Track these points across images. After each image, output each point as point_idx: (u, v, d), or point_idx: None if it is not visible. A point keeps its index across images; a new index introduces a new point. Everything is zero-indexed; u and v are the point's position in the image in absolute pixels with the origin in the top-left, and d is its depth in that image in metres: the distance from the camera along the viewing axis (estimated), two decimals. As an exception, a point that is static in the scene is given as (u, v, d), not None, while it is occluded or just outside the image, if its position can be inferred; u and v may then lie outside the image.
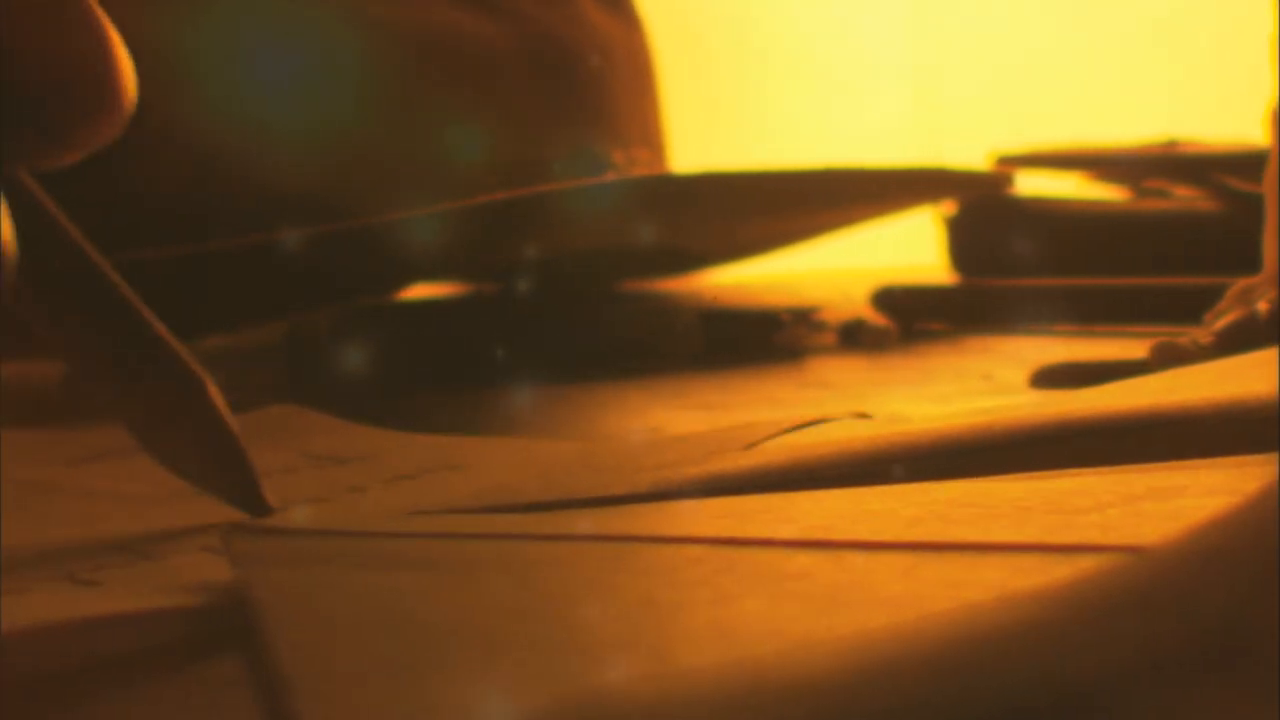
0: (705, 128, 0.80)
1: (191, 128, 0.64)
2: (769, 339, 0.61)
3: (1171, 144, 0.77)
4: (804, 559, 0.25)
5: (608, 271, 0.75)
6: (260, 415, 0.45)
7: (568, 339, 0.67)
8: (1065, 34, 1.10)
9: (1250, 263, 0.52)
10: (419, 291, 0.72)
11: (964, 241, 0.74)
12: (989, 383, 0.50)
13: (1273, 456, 0.30)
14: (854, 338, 0.62)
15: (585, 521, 0.28)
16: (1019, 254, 0.72)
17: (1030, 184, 0.77)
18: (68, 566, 0.30)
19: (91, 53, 0.27)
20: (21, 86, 0.27)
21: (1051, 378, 0.48)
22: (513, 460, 0.38)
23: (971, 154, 0.82)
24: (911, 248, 0.87)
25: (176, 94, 0.64)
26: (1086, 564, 0.24)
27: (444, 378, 0.59)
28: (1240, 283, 0.51)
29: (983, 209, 0.73)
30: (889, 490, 0.29)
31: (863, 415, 0.40)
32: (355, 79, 0.66)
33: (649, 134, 0.73)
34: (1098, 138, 0.81)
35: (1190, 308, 0.54)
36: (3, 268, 0.26)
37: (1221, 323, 0.49)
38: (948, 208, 0.75)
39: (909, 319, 0.63)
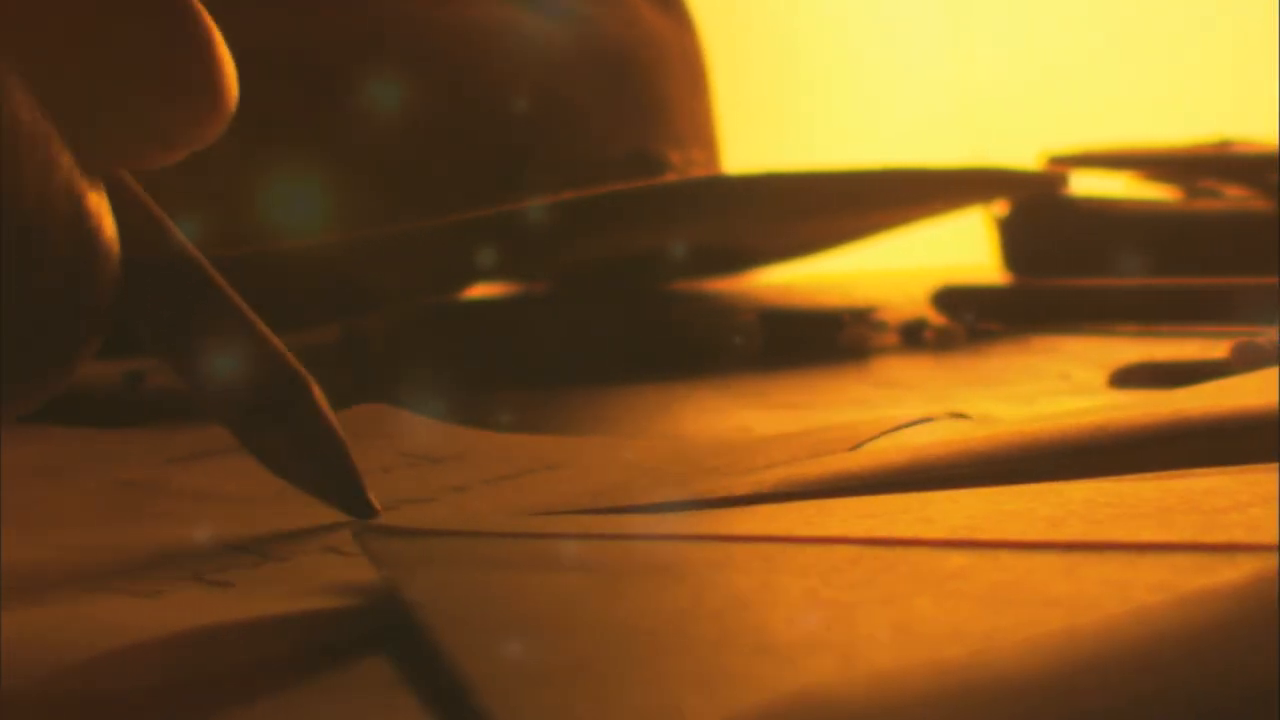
0: (746, 127, 0.80)
1: (246, 131, 0.64)
2: (832, 339, 0.61)
3: (1224, 144, 0.77)
4: (959, 559, 0.25)
5: (659, 271, 0.75)
6: (349, 414, 0.45)
7: (625, 338, 0.67)
8: (1110, 32, 1.10)
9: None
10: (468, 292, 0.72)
11: (1017, 241, 0.74)
12: (1067, 383, 0.49)
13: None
14: (916, 337, 0.62)
15: (723, 522, 0.28)
16: (1073, 254, 0.72)
17: (1080, 184, 0.77)
18: (193, 567, 0.30)
19: (195, 51, 0.27)
20: (124, 84, 0.27)
21: (1132, 378, 0.48)
22: (610, 460, 0.38)
23: (1013, 153, 0.82)
24: (951, 247, 0.87)
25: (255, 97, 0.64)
26: (1247, 563, 0.24)
27: (504, 377, 0.59)
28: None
29: (1036, 209, 0.73)
30: (1021, 490, 0.29)
31: (960, 415, 0.40)
32: (413, 80, 0.66)
33: (703, 134, 0.73)
34: (1146, 137, 0.81)
35: (1249, 307, 0.54)
36: (108, 267, 0.27)
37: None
38: (999, 208, 0.75)
39: (971, 319, 0.63)
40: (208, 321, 0.31)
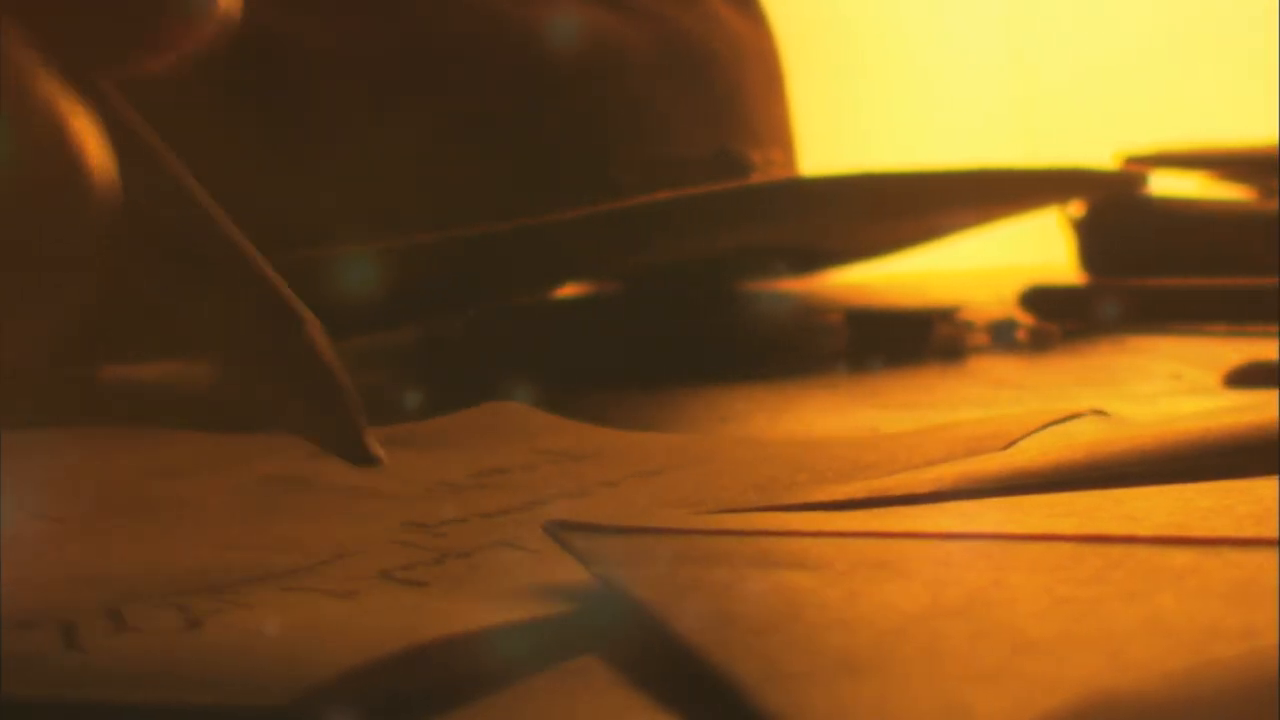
0: (807, 126, 0.79)
1: (335, 132, 0.64)
2: (922, 339, 0.61)
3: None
4: (1181, 556, 0.24)
5: (734, 271, 0.75)
6: (477, 412, 0.45)
7: (708, 338, 0.67)
8: (1167, 31, 1.10)
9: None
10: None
11: (1095, 241, 0.74)
12: (1181, 383, 0.49)
13: None
14: (1007, 337, 0.62)
15: (919, 519, 0.28)
16: (1151, 254, 0.72)
17: (1153, 183, 0.77)
18: (377, 564, 0.30)
19: None
20: None
21: (1248, 378, 0.48)
22: (756, 458, 0.38)
23: (1069, 153, 0.82)
24: (1015, 246, 0.87)
25: (323, 100, 0.64)
26: None
27: (588, 378, 0.59)
28: None
29: (1114, 209, 0.73)
30: (1208, 488, 0.29)
31: (1100, 413, 0.40)
32: (493, 80, 0.66)
33: (781, 134, 0.73)
34: (1208, 137, 0.81)
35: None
36: (97, 196, 0.24)
37: None
38: (1075, 208, 0.75)
39: (1061, 318, 0.63)
40: (204, 258, 0.28)
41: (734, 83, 0.71)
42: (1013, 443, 0.36)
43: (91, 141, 0.23)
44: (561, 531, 0.28)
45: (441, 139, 0.65)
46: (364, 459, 0.29)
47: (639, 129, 0.67)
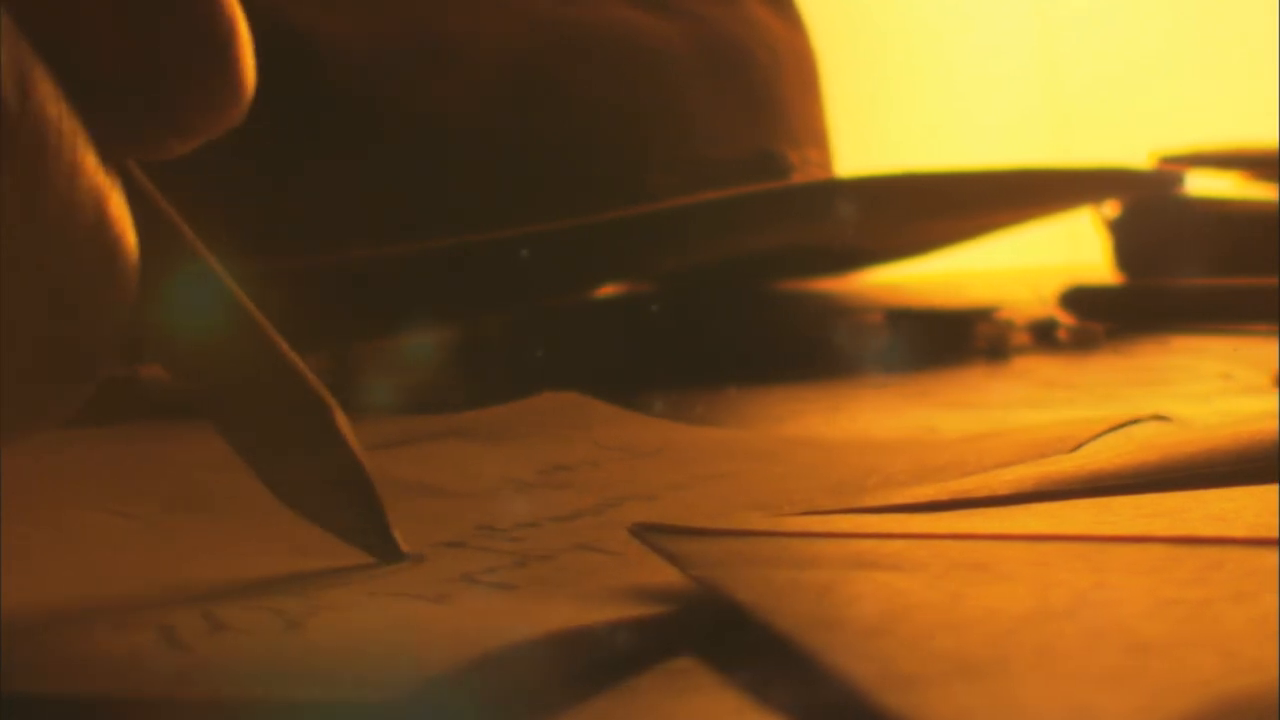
0: (838, 126, 0.79)
1: (378, 133, 0.64)
2: (964, 338, 0.61)
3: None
4: (1274, 557, 0.25)
5: (772, 271, 0.75)
6: (535, 402, 0.45)
7: (748, 337, 0.67)
8: (1202, 29, 1.10)
9: None
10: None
11: (1131, 241, 0.74)
12: (1232, 383, 0.49)
13: None
14: (1049, 337, 0.62)
15: (1006, 520, 0.28)
16: (1187, 254, 0.72)
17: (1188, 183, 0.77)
18: (458, 568, 0.30)
19: (221, 36, 0.25)
20: (147, 68, 0.25)
21: (1301, 378, 0.48)
22: (820, 459, 0.38)
23: (1098, 153, 0.82)
24: (1046, 246, 0.87)
25: (365, 101, 0.64)
26: None
27: (631, 378, 0.59)
28: None
29: (1150, 209, 0.73)
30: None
31: (1161, 418, 0.40)
32: (535, 81, 0.66)
33: (817, 135, 0.73)
34: (1248, 136, 0.81)
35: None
36: (129, 276, 0.24)
37: None
38: (1110, 208, 0.75)
39: (1102, 318, 0.63)
40: (221, 336, 0.28)
41: (772, 83, 0.71)
42: (1079, 446, 0.36)
43: (126, 222, 0.24)
44: (649, 534, 0.28)
45: (482, 140, 0.65)
46: (389, 554, 0.29)
47: (678, 130, 0.67)
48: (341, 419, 0.29)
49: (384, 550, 0.29)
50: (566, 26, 0.67)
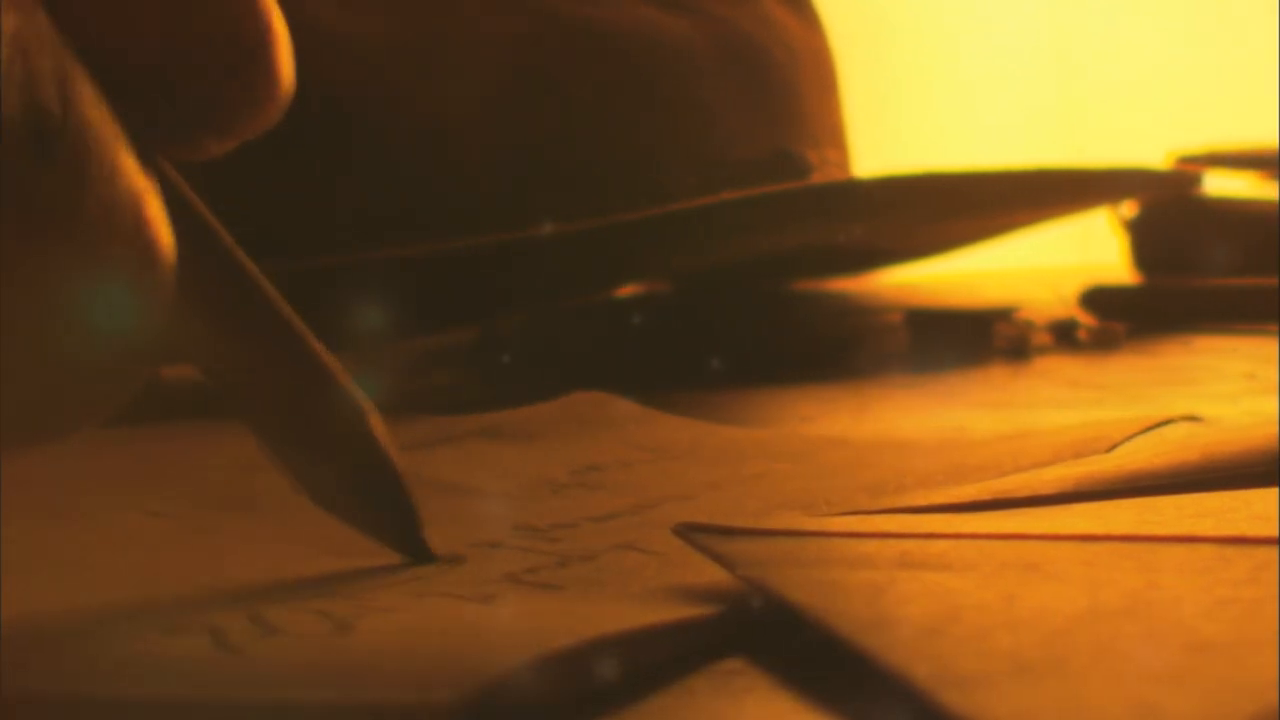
0: (854, 128, 0.79)
1: (398, 133, 0.64)
2: (984, 338, 0.61)
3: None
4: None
5: (791, 271, 0.75)
6: (565, 402, 0.45)
7: (768, 338, 0.67)
8: (1218, 29, 1.10)
9: None
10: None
11: (1149, 242, 0.74)
12: (1257, 382, 0.49)
13: None
14: (1070, 337, 0.62)
15: (1052, 520, 0.28)
16: (1205, 254, 0.72)
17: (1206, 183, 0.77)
18: (499, 568, 0.30)
19: (259, 36, 0.25)
20: (187, 69, 0.25)
21: (1327, 377, 0.48)
22: (855, 459, 0.38)
23: (1110, 153, 0.82)
24: (1059, 247, 0.87)
25: (384, 100, 0.64)
26: None
27: (652, 378, 0.59)
28: None
29: (1168, 209, 0.73)
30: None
31: (1193, 418, 0.40)
32: (552, 81, 0.66)
33: (836, 135, 0.73)
34: (1266, 136, 0.81)
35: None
36: (165, 280, 0.24)
37: None
38: (1128, 208, 0.75)
39: (1122, 318, 0.63)
40: (256, 337, 0.28)
41: (790, 83, 0.71)
42: (1114, 446, 0.36)
43: (164, 223, 0.24)
44: (694, 534, 0.28)
45: (498, 140, 0.65)
46: (421, 555, 0.29)
47: (697, 130, 0.67)
48: (378, 423, 0.29)
49: (416, 551, 0.30)
50: (584, 26, 0.67)
